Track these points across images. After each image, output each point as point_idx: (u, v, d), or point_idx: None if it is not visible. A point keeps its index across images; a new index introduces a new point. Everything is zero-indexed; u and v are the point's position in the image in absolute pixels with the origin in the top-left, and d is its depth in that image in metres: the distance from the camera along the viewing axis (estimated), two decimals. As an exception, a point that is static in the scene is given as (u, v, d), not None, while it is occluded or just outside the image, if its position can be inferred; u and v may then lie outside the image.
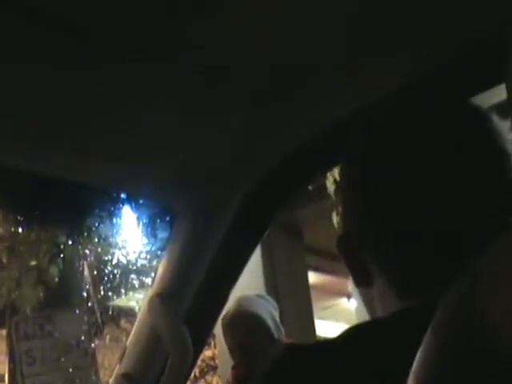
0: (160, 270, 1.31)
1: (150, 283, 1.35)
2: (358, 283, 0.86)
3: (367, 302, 0.89)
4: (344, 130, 1.14)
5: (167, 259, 1.31)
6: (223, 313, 2.70)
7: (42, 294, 5.42)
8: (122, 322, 7.92)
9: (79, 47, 0.95)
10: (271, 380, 0.80)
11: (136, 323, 1.36)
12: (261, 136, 1.17)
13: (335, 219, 4.63)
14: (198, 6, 0.92)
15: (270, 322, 2.73)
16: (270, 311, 2.80)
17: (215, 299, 1.42)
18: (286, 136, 1.18)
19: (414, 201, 0.79)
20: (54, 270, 5.35)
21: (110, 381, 1.41)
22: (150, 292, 1.31)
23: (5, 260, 5.42)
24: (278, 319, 2.83)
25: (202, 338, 1.44)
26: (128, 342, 1.38)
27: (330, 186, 4.60)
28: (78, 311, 5.47)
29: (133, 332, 1.37)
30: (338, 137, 1.17)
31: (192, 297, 1.32)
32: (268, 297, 3.04)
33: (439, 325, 0.49)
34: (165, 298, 1.27)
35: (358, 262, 0.84)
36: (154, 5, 0.91)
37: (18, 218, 4.96)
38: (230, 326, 2.70)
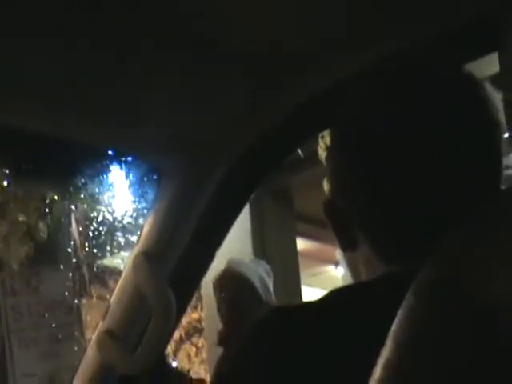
0: (146, 228, 1.31)
1: (135, 242, 1.34)
2: (344, 248, 0.87)
3: (352, 266, 0.90)
4: (331, 98, 1.14)
5: (153, 218, 1.30)
6: (215, 274, 2.75)
7: (29, 250, 5.41)
8: (110, 282, 7.95)
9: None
10: (255, 339, 0.80)
11: (120, 281, 1.36)
12: (251, 102, 1.16)
13: (326, 186, 4.62)
14: None
15: (256, 283, 2.77)
16: (259, 274, 2.83)
17: (200, 260, 1.42)
18: (277, 102, 1.18)
19: (407, 182, 0.78)
20: (41, 226, 5.35)
21: (93, 337, 1.42)
22: (135, 250, 1.30)
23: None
24: (269, 284, 2.86)
25: (185, 299, 1.45)
26: (112, 300, 1.38)
27: (322, 153, 4.59)
28: (64, 268, 5.48)
29: (117, 289, 1.37)
30: (328, 104, 1.17)
31: (177, 257, 1.32)
32: (263, 262, 3.06)
33: (421, 285, 0.49)
34: (149, 257, 1.26)
35: (344, 226, 0.85)
36: None
37: (7, 173, 4.94)
38: (219, 286, 2.75)
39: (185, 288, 1.41)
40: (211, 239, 1.40)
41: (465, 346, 0.44)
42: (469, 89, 0.82)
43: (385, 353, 0.48)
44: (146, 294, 1.27)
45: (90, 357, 1.42)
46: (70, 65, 1.01)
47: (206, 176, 1.27)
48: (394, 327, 0.49)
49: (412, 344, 0.47)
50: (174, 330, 1.47)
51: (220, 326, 2.82)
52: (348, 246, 0.86)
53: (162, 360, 1.53)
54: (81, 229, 5.85)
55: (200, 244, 1.36)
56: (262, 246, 5.54)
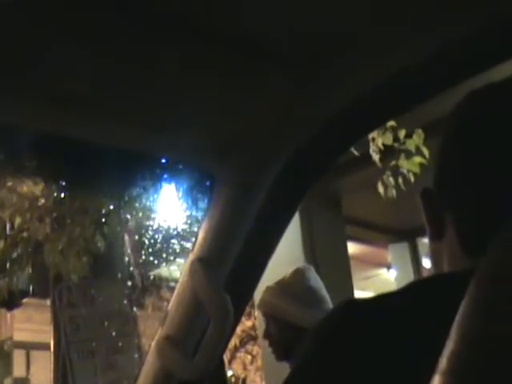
0: (200, 234, 1.32)
1: (190, 248, 1.35)
2: (432, 236, 0.91)
3: (436, 259, 0.93)
4: (381, 95, 1.14)
5: (207, 224, 1.31)
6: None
7: (86, 263, 5.47)
8: (165, 292, 8.00)
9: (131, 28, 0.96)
10: (326, 332, 0.81)
11: (177, 287, 1.38)
12: (300, 103, 1.16)
13: (381, 189, 4.60)
14: None
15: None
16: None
17: (254, 266, 1.43)
18: (326, 102, 1.18)
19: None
20: (97, 238, 5.41)
21: (152, 344, 1.43)
22: (191, 256, 1.32)
23: (49, 230, 5.48)
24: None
25: (241, 305, 1.45)
26: (169, 306, 1.39)
27: (374, 156, 4.55)
28: (121, 278, 5.55)
29: (174, 296, 1.38)
30: (376, 103, 1.17)
31: (231, 262, 1.33)
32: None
33: (483, 275, 0.49)
34: (205, 263, 1.27)
35: (436, 213, 0.89)
36: None
37: (63, 185, 5.02)
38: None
39: (240, 294, 1.42)
40: (265, 244, 1.41)
41: None
42: None
43: (450, 344, 0.48)
44: (203, 300, 1.28)
45: (149, 363, 1.44)
46: (118, 73, 1.03)
47: (257, 180, 1.27)
48: (457, 319, 0.49)
49: (475, 335, 0.47)
50: (231, 335, 1.47)
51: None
52: (436, 233, 0.89)
53: (221, 366, 1.54)
54: (136, 237, 5.92)
55: (254, 249, 1.37)
56: (312, 250, 5.52)
